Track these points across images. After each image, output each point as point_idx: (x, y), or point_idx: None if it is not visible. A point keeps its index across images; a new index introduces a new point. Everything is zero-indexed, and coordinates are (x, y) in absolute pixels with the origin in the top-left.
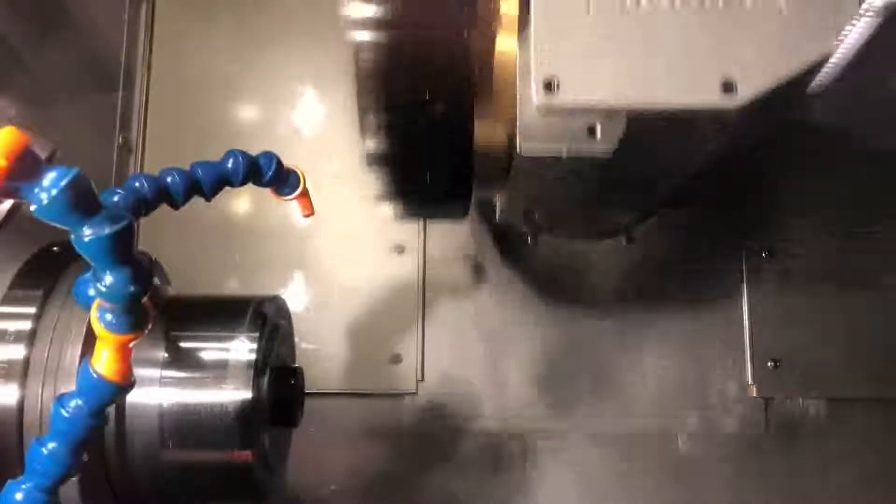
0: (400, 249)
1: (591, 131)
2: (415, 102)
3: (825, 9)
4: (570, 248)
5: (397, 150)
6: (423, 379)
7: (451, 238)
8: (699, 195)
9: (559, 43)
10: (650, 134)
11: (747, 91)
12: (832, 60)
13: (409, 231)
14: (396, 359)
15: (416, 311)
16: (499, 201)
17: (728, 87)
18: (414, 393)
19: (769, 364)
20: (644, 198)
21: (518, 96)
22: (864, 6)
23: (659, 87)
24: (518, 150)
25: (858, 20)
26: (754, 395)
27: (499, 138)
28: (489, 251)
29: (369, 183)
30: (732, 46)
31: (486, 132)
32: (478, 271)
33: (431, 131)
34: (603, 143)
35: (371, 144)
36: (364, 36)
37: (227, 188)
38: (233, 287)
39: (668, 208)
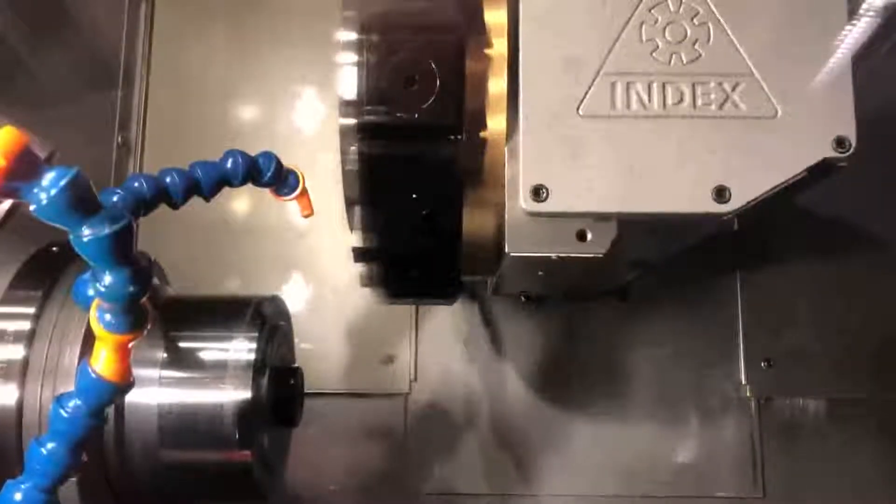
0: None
1: (582, 235)
2: (403, 200)
3: (821, 113)
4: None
5: (384, 246)
6: (415, 379)
7: None
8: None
9: (548, 149)
10: (643, 233)
11: (741, 198)
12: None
13: None
14: (390, 359)
15: (412, 311)
16: (489, 282)
17: (721, 194)
18: (408, 393)
19: (762, 364)
20: (634, 271)
21: (506, 199)
22: (864, 6)
23: (650, 194)
24: (505, 251)
25: (859, 20)
26: (748, 395)
27: (488, 229)
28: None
29: None
30: (726, 153)
31: (475, 223)
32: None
33: (419, 227)
34: (594, 246)
35: (357, 240)
36: (353, 143)
37: (227, 188)
38: (232, 287)
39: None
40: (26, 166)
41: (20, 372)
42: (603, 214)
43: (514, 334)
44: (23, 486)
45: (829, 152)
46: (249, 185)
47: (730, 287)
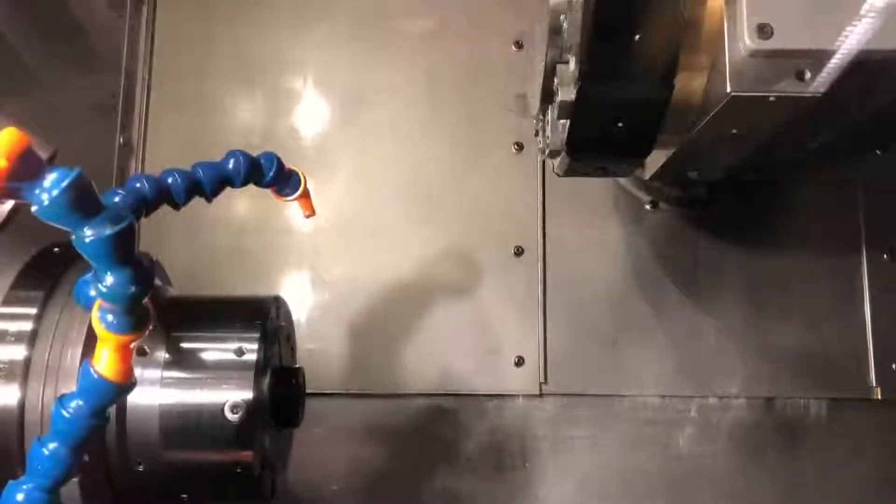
0: (406, 248)
1: (801, 75)
2: (618, 51)
3: None
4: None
5: (592, 98)
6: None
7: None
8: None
9: None
10: (860, 79)
11: None
12: (833, 61)
13: (409, 233)
14: (402, 360)
15: (424, 313)
16: (649, 161)
17: None
18: (417, 394)
19: (893, 367)
20: (822, 154)
21: (726, 40)
22: (865, 6)
23: (870, 33)
24: (727, 90)
25: (860, 20)
26: (878, 397)
27: (695, 90)
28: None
29: (371, 183)
30: None
31: (682, 84)
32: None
33: (629, 79)
34: (812, 86)
35: (566, 93)
36: None
37: (229, 189)
38: (235, 288)
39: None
40: (28, 167)
41: (22, 372)
42: (825, 52)
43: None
44: (25, 487)
45: None
46: (251, 186)
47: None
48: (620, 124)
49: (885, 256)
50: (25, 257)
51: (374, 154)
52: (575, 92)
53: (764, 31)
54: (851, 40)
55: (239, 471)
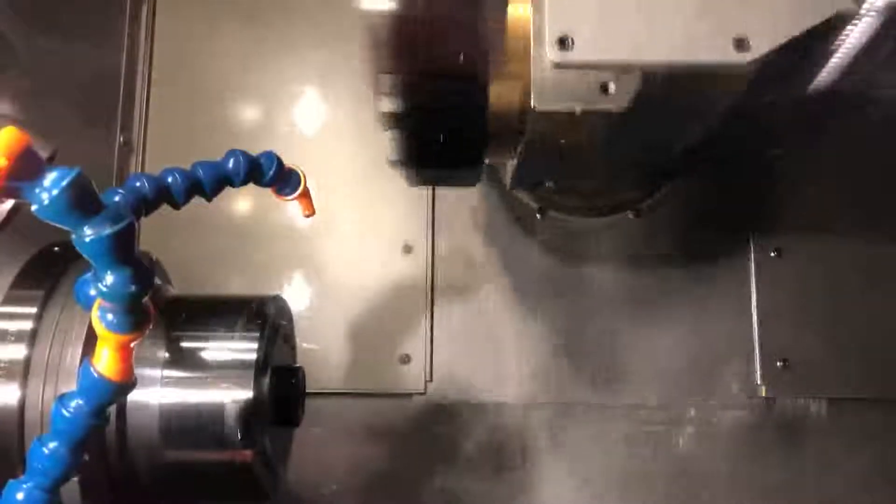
0: (407, 249)
1: (605, 88)
2: (429, 63)
3: None
4: (576, 226)
5: (411, 109)
6: (431, 379)
7: (459, 238)
8: (702, 165)
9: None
10: (663, 91)
11: (760, 48)
12: (833, 61)
13: (417, 231)
14: (405, 359)
15: (424, 312)
16: (509, 170)
17: (741, 44)
18: (422, 393)
19: (778, 364)
20: (652, 164)
21: (532, 53)
22: (864, 6)
23: (673, 44)
24: (532, 106)
25: (859, 20)
26: (763, 395)
27: (513, 99)
28: (498, 227)
29: (373, 182)
30: (747, 2)
31: (500, 93)
32: (486, 249)
33: (446, 90)
34: (616, 99)
35: (385, 104)
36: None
37: (229, 188)
38: (236, 287)
39: (673, 179)
40: (28, 166)
41: (22, 372)
42: (626, 64)
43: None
44: (25, 486)
45: (848, 4)
46: (251, 186)
47: (745, 292)
48: (442, 136)
49: (772, 254)
50: (25, 257)
51: (374, 153)
52: (395, 104)
53: (565, 43)
54: (651, 53)
55: (239, 470)
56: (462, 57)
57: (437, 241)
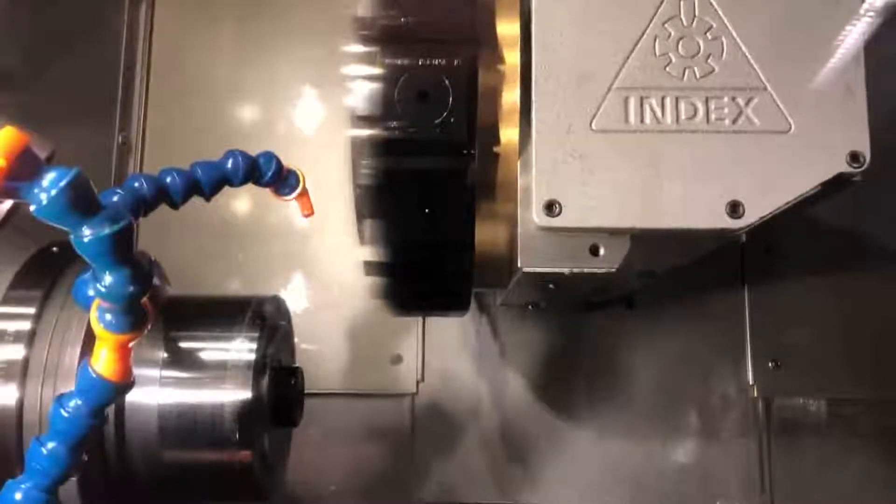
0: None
1: (595, 251)
2: (415, 215)
3: (834, 126)
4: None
5: (396, 260)
6: (423, 380)
7: None
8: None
9: (561, 164)
10: (654, 248)
11: (755, 213)
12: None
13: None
14: (397, 359)
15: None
16: (497, 294)
17: (735, 209)
18: (414, 393)
19: (769, 364)
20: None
21: (519, 215)
22: (864, 6)
23: (664, 210)
24: (518, 266)
25: (859, 20)
26: (755, 395)
27: (500, 242)
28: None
29: None
30: (740, 167)
31: (488, 235)
32: None
33: (431, 242)
34: (607, 262)
35: (369, 253)
36: (364, 157)
37: (227, 188)
38: (234, 287)
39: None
40: (26, 166)
41: (21, 372)
42: (616, 230)
43: (520, 341)
44: (23, 486)
45: (844, 167)
46: (250, 185)
47: (736, 292)
48: (428, 283)
49: (763, 253)
50: (24, 257)
51: None
52: (377, 251)
53: (552, 208)
54: (640, 220)
55: (237, 470)
56: (449, 195)
57: None
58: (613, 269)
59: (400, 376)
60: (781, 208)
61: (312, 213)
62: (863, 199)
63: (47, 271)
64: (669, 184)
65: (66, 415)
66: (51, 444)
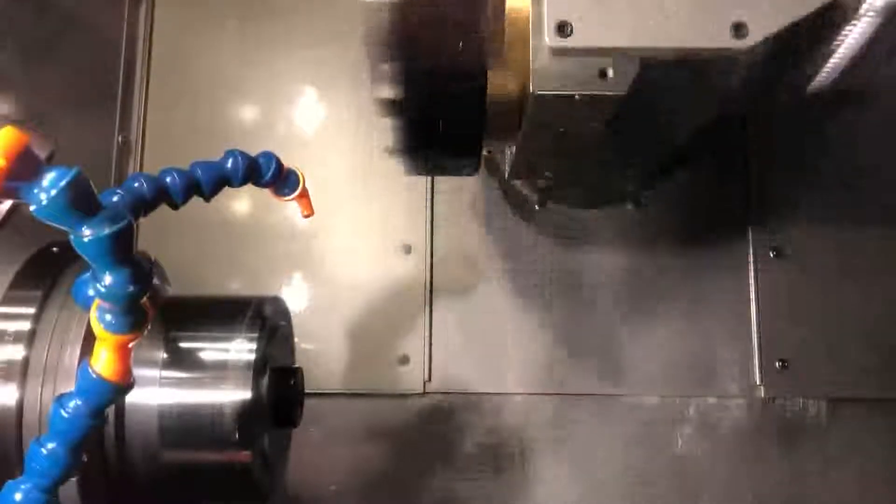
0: (407, 249)
1: (603, 74)
2: (429, 51)
3: None
4: (574, 219)
5: (409, 96)
6: (430, 379)
7: (458, 238)
8: (702, 154)
9: None
10: (661, 77)
11: (758, 33)
12: (832, 61)
13: (416, 230)
14: (403, 359)
15: (423, 312)
16: (507, 160)
17: (739, 30)
18: (420, 393)
19: (777, 364)
20: (651, 154)
21: (531, 40)
22: (864, 6)
23: (671, 30)
24: (531, 90)
25: (859, 20)
26: (762, 395)
27: (511, 87)
28: (497, 219)
29: (372, 182)
30: None
31: (498, 83)
32: (484, 244)
33: (444, 78)
34: (615, 85)
35: (382, 91)
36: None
37: (227, 188)
38: (234, 287)
39: (671, 170)
40: (26, 166)
41: (20, 372)
42: (624, 49)
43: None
44: (23, 487)
45: None
46: (250, 186)
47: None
48: (440, 123)
49: (771, 255)
50: (24, 257)
51: (373, 154)
52: (394, 91)
53: (563, 29)
54: (650, 38)
55: (237, 471)
56: (461, 44)
57: (437, 240)
58: (622, 93)
59: (404, 377)
60: (783, 29)
61: (312, 213)
62: (870, 200)
63: (47, 271)
64: (676, 4)
65: (65, 415)
66: (50, 445)
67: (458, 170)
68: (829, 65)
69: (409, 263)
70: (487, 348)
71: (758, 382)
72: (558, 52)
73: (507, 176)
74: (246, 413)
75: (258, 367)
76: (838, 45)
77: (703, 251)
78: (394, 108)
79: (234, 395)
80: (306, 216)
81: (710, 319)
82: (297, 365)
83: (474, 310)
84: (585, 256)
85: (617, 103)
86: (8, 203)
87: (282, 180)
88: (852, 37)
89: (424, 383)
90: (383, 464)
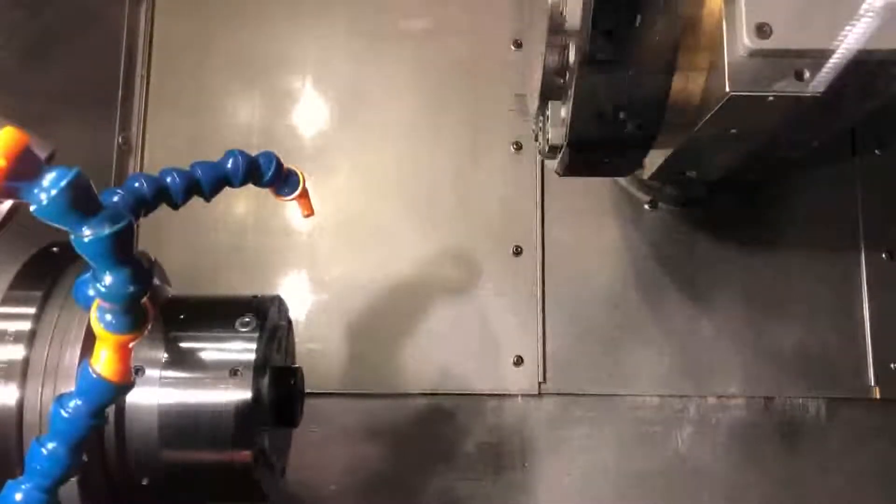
0: (409, 249)
1: (800, 75)
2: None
3: None
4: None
5: (593, 85)
6: (428, 379)
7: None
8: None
9: None
10: (858, 79)
11: None
12: (832, 60)
13: (408, 232)
14: (404, 360)
15: (424, 311)
16: (651, 160)
17: None
18: (419, 393)
19: (892, 366)
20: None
21: (725, 41)
22: (864, 6)
23: (874, 30)
24: (726, 90)
25: (858, 20)
26: (877, 396)
27: (691, 90)
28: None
29: (372, 182)
30: None
31: (681, 83)
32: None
33: (627, 68)
34: (811, 85)
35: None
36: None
37: (228, 188)
38: (234, 287)
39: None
40: (27, 166)
41: (21, 372)
42: (824, 51)
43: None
44: (23, 486)
45: None
46: (250, 185)
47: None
48: (622, 115)
49: (883, 256)
50: (24, 257)
51: (374, 153)
52: (574, 81)
53: (763, 30)
54: (850, 40)
55: (237, 471)
56: (655, 36)
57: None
58: (818, 94)
59: (406, 377)
60: None
61: (312, 213)
62: None
63: (47, 271)
64: (877, 7)
65: (66, 415)
66: (51, 445)
67: (616, 170)
68: (828, 65)
69: (411, 263)
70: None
71: (872, 384)
72: (756, 54)
73: (646, 176)
74: (246, 413)
75: (258, 367)
76: (837, 45)
77: (815, 253)
78: (575, 97)
79: (234, 395)
80: (306, 216)
81: (825, 321)
82: (297, 365)
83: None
84: (700, 256)
85: (808, 105)
86: (8, 203)
87: (282, 180)
88: (851, 37)
89: (421, 383)
90: (383, 464)
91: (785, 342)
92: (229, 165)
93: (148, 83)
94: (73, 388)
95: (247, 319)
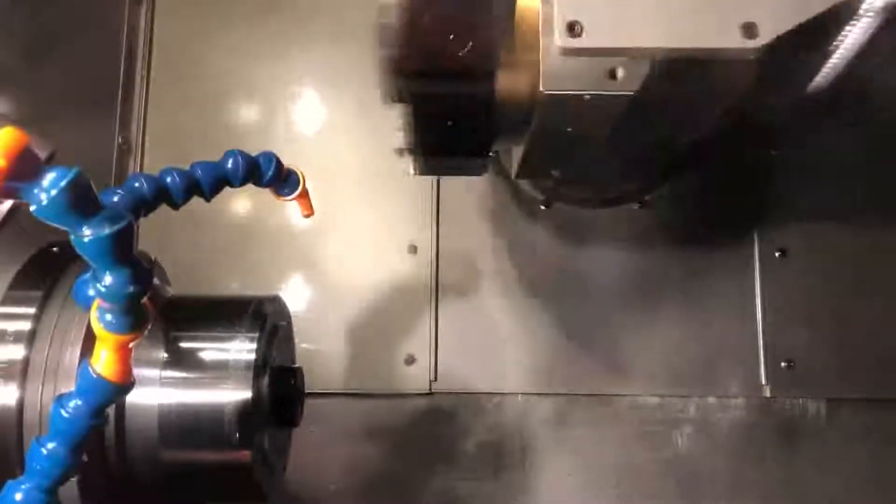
0: (412, 249)
1: (613, 74)
2: (439, 53)
3: None
4: (581, 218)
5: (419, 97)
6: (435, 378)
7: (463, 237)
8: (709, 160)
9: None
10: (671, 79)
11: (768, 34)
12: (831, 61)
13: (420, 230)
14: (408, 359)
15: (426, 311)
16: (515, 159)
17: (749, 30)
18: (425, 393)
19: (782, 364)
20: (658, 158)
21: (541, 40)
22: (864, 6)
23: (681, 30)
24: (540, 90)
25: (858, 20)
26: (767, 395)
27: (521, 88)
28: (504, 217)
29: (373, 182)
30: None
31: (508, 81)
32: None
33: (453, 79)
34: (624, 85)
35: (391, 92)
36: None
37: (227, 188)
38: (234, 287)
39: (678, 173)
40: (27, 167)
41: (21, 372)
42: (634, 50)
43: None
44: (23, 487)
45: None
46: (250, 186)
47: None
48: (450, 123)
49: (776, 255)
50: (24, 257)
51: (373, 153)
52: (402, 91)
53: (573, 29)
54: (660, 39)
55: (237, 471)
56: (472, 46)
57: (442, 239)
58: (631, 93)
59: (412, 376)
60: (793, 29)
61: (312, 213)
62: (872, 201)
63: (47, 271)
64: (685, 5)
65: (66, 415)
66: (51, 445)
67: (467, 170)
68: (828, 65)
69: (413, 263)
70: (488, 348)
71: (763, 382)
72: (568, 52)
73: (513, 175)
74: (246, 413)
75: (258, 367)
76: (838, 46)
77: (708, 252)
78: (405, 109)
79: (234, 395)
80: (306, 216)
81: (716, 320)
82: (297, 364)
83: (478, 307)
84: (591, 256)
85: (626, 104)
86: (8, 203)
87: (282, 180)
88: (851, 37)
89: (430, 382)
90: (383, 464)
91: (676, 341)
92: (229, 165)
93: (148, 83)
94: (73, 388)
95: (247, 319)
